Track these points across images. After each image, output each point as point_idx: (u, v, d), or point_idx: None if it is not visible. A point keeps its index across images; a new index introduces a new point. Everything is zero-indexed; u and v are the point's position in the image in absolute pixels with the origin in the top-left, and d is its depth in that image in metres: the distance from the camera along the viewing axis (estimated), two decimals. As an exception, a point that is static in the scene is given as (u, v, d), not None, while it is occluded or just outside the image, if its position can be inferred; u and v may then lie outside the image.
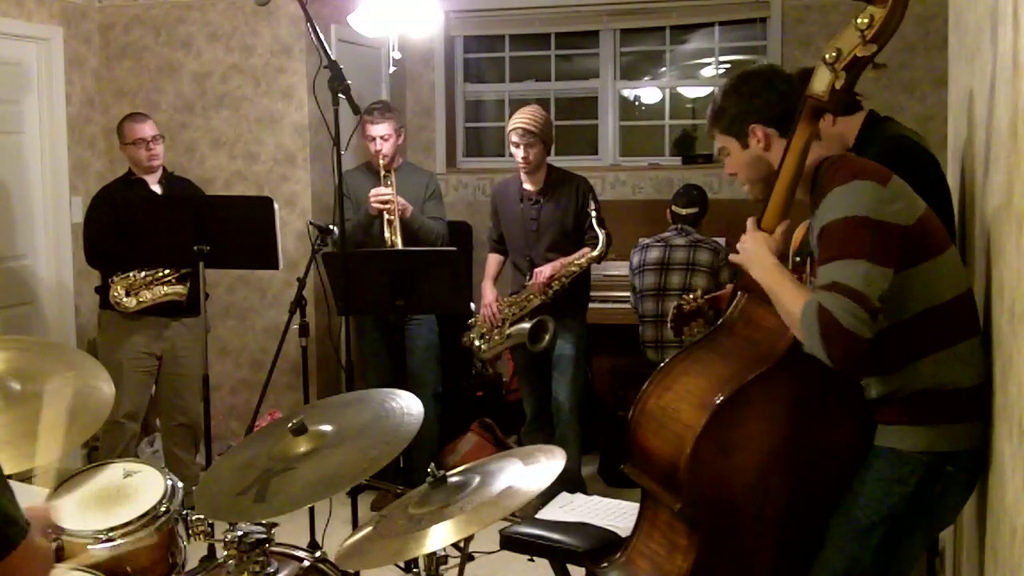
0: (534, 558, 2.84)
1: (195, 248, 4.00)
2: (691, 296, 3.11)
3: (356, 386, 3.76)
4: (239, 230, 4.09)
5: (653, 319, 4.79)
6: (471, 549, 2.36)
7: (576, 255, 4.52)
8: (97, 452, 4.73)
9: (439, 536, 2.01)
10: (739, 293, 2.33)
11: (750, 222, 2.22)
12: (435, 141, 6.40)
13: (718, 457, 2.11)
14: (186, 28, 5.55)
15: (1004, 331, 1.85)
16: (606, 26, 6.25)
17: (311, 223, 4.12)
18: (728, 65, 6.23)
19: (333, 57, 3.26)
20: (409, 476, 3.99)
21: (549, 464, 2.21)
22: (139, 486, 2.49)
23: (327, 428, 2.37)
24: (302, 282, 4.01)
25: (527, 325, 4.52)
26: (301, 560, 2.46)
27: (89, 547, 2.31)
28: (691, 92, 6.46)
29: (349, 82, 3.23)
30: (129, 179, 4.61)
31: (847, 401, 2.16)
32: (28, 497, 1.80)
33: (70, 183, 5.36)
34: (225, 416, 5.43)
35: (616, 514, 2.89)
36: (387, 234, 4.51)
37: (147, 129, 4.53)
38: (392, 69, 5.22)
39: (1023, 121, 1.62)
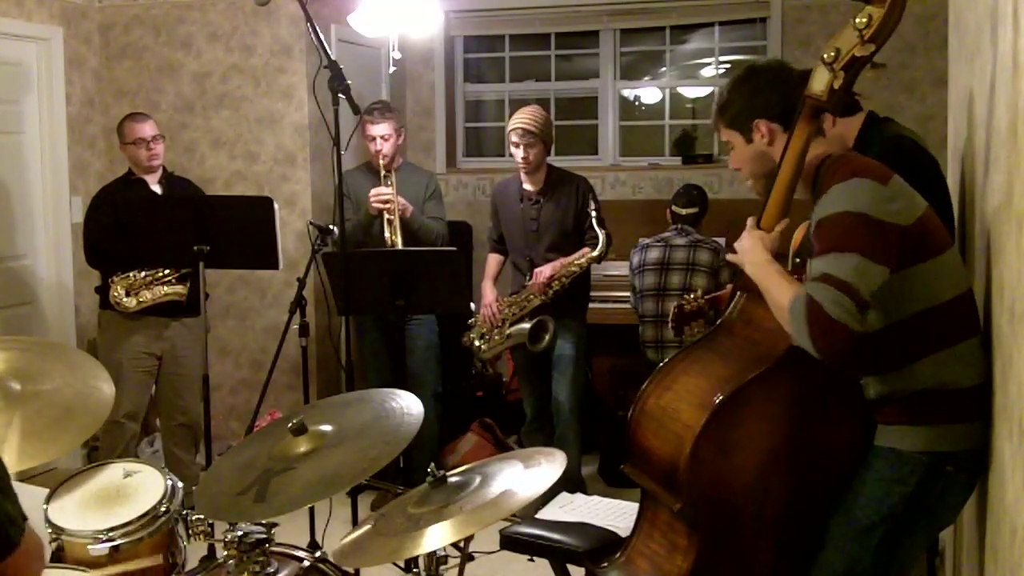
0: (534, 558, 2.84)
1: (195, 248, 4.00)
2: (692, 296, 3.10)
3: (356, 386, 3.76)
4: (239, 230, 4.08)
5: (653, 319, 4.79)
6: (471, 549, 2.36)
7: (576, 255, 4.52)
8: (97, 452, 4.74)
9: (438, 536, 2.01)
10: (739, 293, 2.33)
11: (750, 221, 2.22)
12: (435, 141, 6.40)
13: (718, 457, 2.11)
14: (186, 28, 5.55)
15: (1004, 331, 1.85)
16: (606, 26, 6.24)
17: (311, 223, 4.12)
18: (728, 65, 6.22)
19: (333, 57, 3.26)
20: (409, 476, 3.99)
21: (550, 468, 2.21)
22: (139, 486, 2.49)
23: (327, 428, 2.36)
24: (302, 282, 4.01)
25: (527, 325, 4.52)
26: (301, 560, 2.46)
27: (89, 547, 2.31)
28: (691, 92, 6.46)
29: (349, 82, 3.24)
30: (129, 179, 4.60)
31: (847, 401, 2.16)
32: (28, 497, 1.80)
33: (70, 183, 5.37)
34: (225, 416, 5.43)
35: (616, 514, 2.89)
36: (387, 234, 4.51)
37: (147, 129, 4.53)
38: (392, 69, 5.22)
39: (1023, 121, 1.62)
